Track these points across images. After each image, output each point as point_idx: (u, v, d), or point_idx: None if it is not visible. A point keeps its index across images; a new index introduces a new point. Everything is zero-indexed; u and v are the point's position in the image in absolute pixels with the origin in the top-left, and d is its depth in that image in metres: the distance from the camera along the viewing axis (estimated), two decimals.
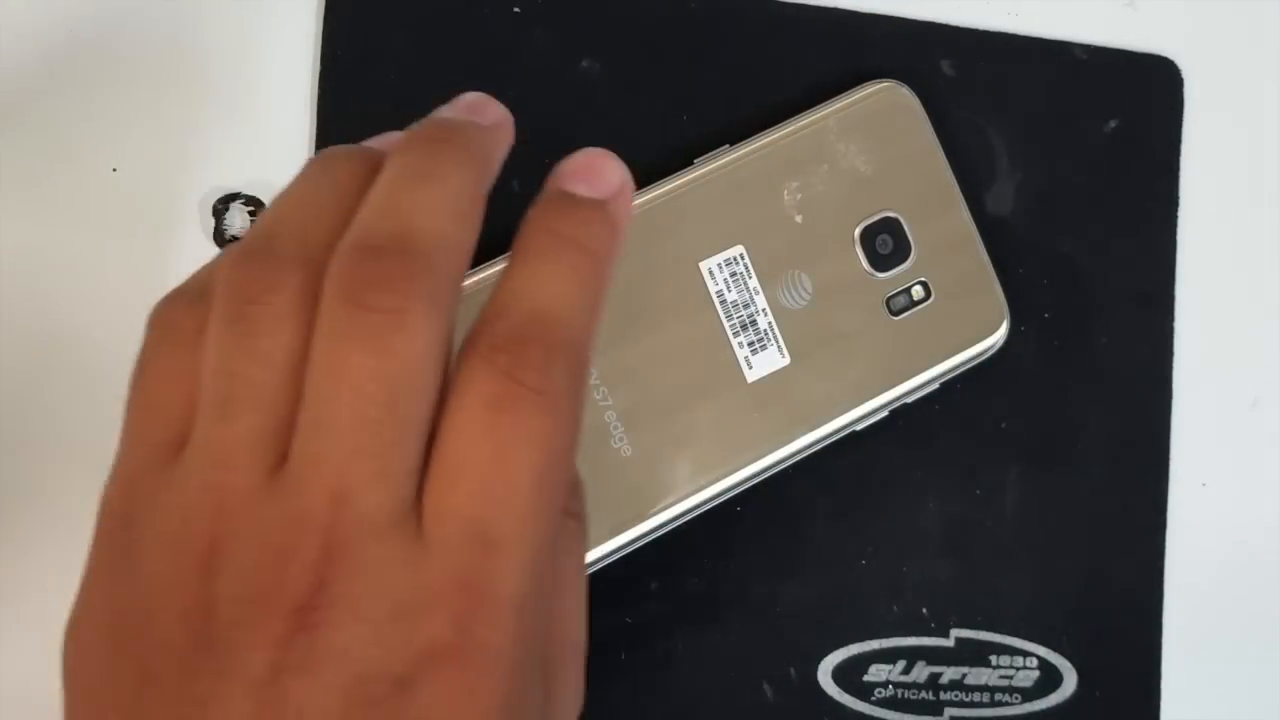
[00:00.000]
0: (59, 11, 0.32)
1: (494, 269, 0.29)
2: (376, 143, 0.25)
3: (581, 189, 0.24)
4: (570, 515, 0.24)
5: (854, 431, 0.30)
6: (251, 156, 0.32)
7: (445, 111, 0.25)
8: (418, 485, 0.21)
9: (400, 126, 0.32)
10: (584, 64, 0.32)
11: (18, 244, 0.31)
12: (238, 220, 0.31)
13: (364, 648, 0.20)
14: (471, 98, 0.25)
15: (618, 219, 0.24)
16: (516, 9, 0.32)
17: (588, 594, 0.27)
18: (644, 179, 0.31)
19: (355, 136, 0.32)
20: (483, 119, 0.24)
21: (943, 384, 0.31)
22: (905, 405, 0.31)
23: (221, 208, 0.31)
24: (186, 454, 0.21)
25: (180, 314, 0.22)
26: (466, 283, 0.29)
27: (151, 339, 0.22)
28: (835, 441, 0.30)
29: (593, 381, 0.29)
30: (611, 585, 0.29)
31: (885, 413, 0.31)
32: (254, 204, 0.31)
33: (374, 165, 0.23)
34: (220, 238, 0.31)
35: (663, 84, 0.32)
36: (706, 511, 0.30)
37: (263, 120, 0.32)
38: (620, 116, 0.32)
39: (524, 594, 0.21)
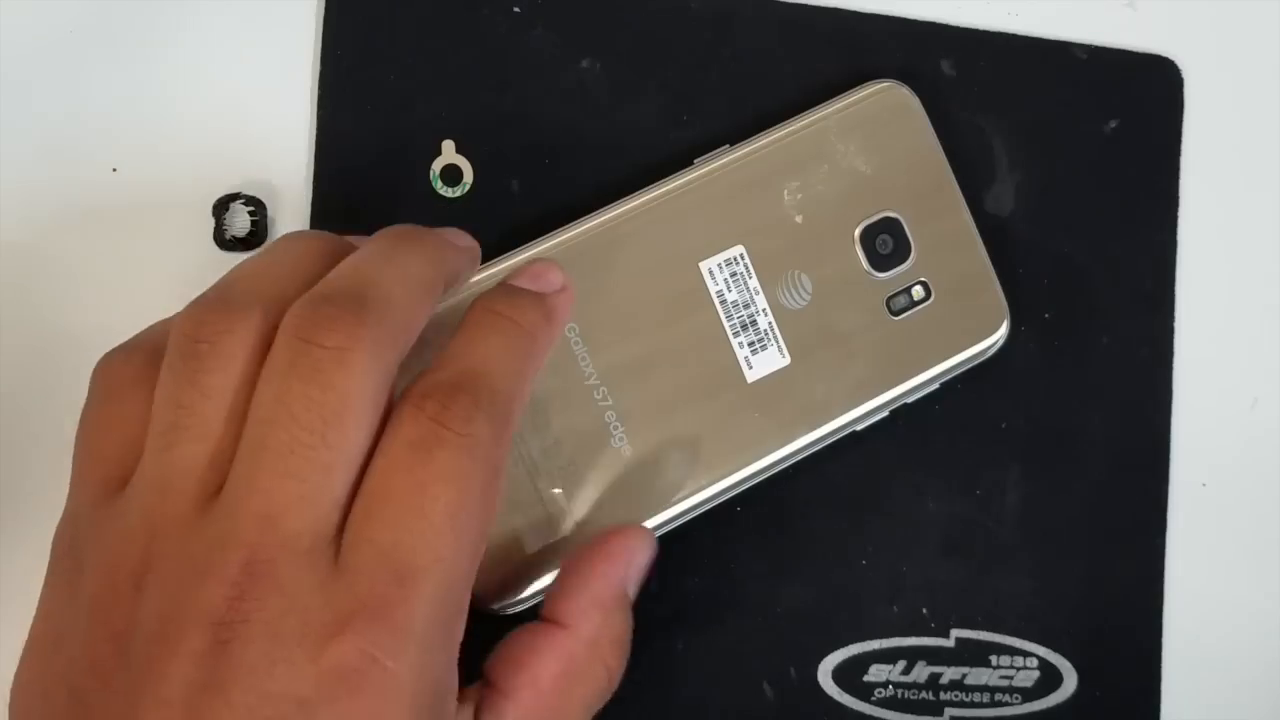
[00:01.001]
0: (59, 11, 0.32)
1: (492, 270, 0.29)
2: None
3: (524, 284, 0.27)
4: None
5: (854, 432, 0.30)
6: (251, 156, 0.32)
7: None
8: (342, 516, 0.22)
9: (399, 126, 0.32)
10: (584, 64, 0.32)
11: (18, 244, 0.31)
12: (238, 220, 0.31)
13: (272, 665, 0.21)
14: (451, 229, 0.28)
15: (554, 310, 0.27)
16: (516, 9, 0.32)
17: None
18: (644, 179, 0.31)
19: (355, 136, 0.32)
20: (456, 241, 0.27)
21: (943, 384, 0.31)
22: (905, 405, 0.31)
23: (221, 208, 0.31)
24: (131, 484, 0.23)
25: (118, 367, 0.24)
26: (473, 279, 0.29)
27: (93, 391, 0.24)
28: (835, 441, 0.30)
29: (593, 381, 0.29)
30: None
31: (885, 413, 0.31)
32: (254, 204, 0.31)
33: (334, 246, 0.26)
34: (220, 238, 0.31)
35: (663, 84, 0.32)
36: (706, 511, 0.30)
37: (263, 120, 0.32)
38: (620, 116, 0.32)
39: (429, 627, 0.22)
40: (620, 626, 0.27)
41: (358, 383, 0.22)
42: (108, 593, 0.22)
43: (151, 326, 0.26)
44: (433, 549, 0.22)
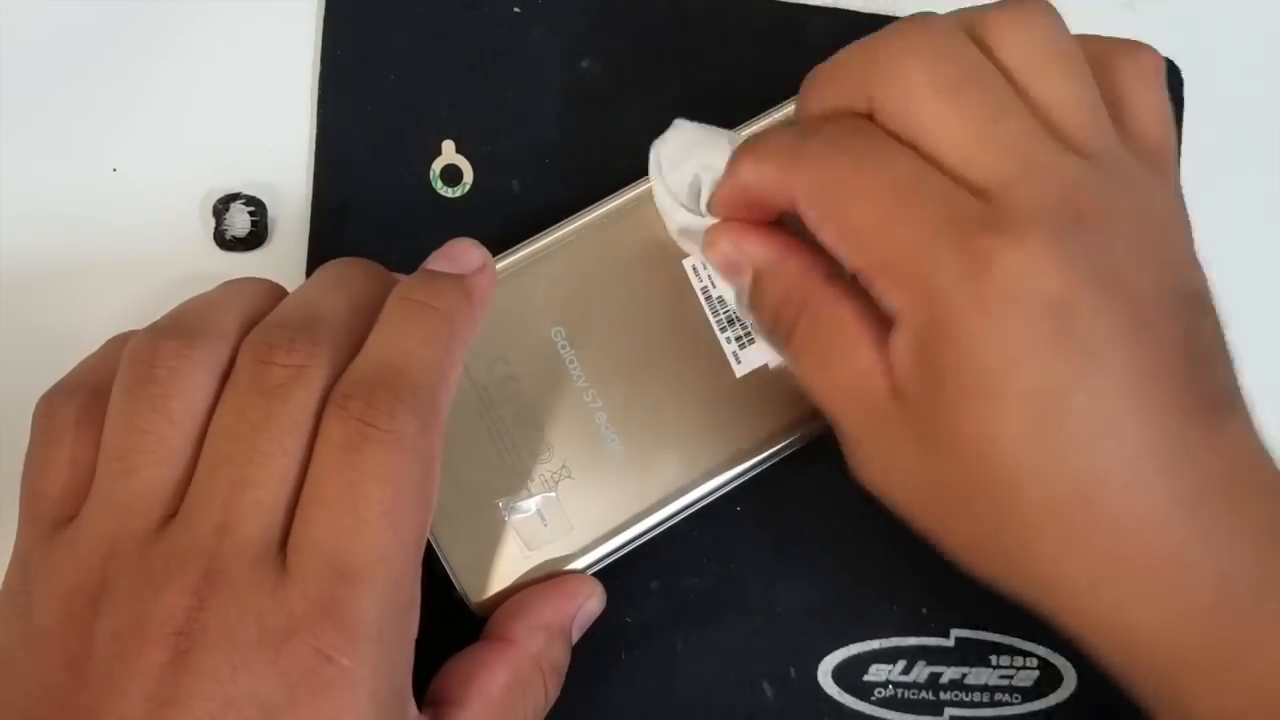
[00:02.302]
0: (59, 11, 0.32)
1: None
2: None
3: (441, 266, 0.27)
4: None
5: None
6: (251, 156, 0.32)
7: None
8: (288, 521, 0.23)
9: (399, 127, 0.32)
10: (584, 64, 0.32)
11: (18, 244, 0.31)
12: (238, 220, 0.31)
13: (234, 672, 0.21)
14: None
15: (474, 290, 0.26)
16: (516, 9, 0.32)
17: None
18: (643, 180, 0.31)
19: (355, 137, 0.32)
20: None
21: None
22: None
23: (221, 208, 0.31)
24: (84, 511, 0.23)
25: (60, 407, 0.24)
26: None
27: (36, 432, 0.25)
28: (830, 434, 0.30)
29: (582, 384, 0.29)
30: (611, 585, 0.29)
31: None
32: (254, 204, 0.31)
33: (276, 287, 0.27)
34: (220, 238, 0.31)
35: (663, 84, 0.32)
36: (706, 512, 0.30)
37: (263, 120, 0.32)
38: (620, 116, 0.32)
39: (381, 624, 0.22)
40: (559, 655, 0.28)
41: (313, 397, 0.23)
42: (62, 620, 0.22)
43: (87, 363, 0.26)
44: (372, 547, 0.22)
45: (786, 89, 0.31)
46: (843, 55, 0.25)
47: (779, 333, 0.26)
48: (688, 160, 0.28)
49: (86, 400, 0.24)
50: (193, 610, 0.21)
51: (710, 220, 0.28)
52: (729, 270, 0.28)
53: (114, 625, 0.22)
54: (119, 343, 0.26)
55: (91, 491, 0.23)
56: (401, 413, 0.23)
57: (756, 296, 0.27)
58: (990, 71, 0.23)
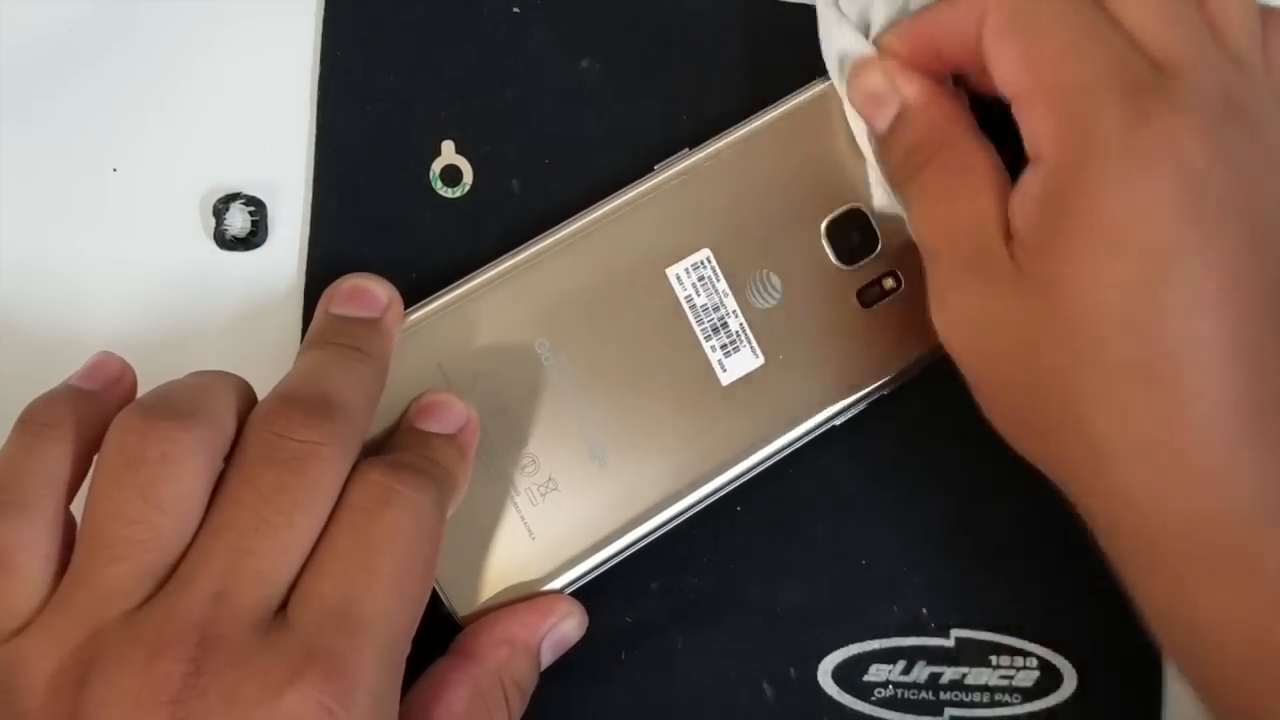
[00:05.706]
0: (59, 11, 0.32)
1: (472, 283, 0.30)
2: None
3: (433, 427, 0.28)
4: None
5: (834, 426, 0.30)
6: (251, 156, 0.32)
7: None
8: (288, 591, 0.23)
9: (399, 127, 0.32)
10: (584, 64, 0.32)
11: (18, 244, 0.31)
12: (238, 220, 0.31)
13: None
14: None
15: (465, 447, 0.28)
16: (516, 9, 0.32)
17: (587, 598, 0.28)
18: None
19: (355, 136, 0.32)
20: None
21: (939, 381, 0.31)
22: (890, 398, 0.30)
23: (221, 208, 0.31)
24: (59, 595, 0.22)
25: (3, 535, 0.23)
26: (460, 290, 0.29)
27: None
28: (831, 441, 0.30)
29: (567, 396, 0.29)
30: (612, 585, 0.29)
31: (864, 405, 0.30)
32: (253, 204, 0.31)
33: (247, 385, 0.26)
34: (220, 238, 0.31)
35: (663, 84, 0.32)
36: (706, 512, 0.30)
37: (263, 120, 0.32)
38: (620, 116, 0.32)
39: (379, 679, 0.22)
40: (523, 671, 0.27)
41: (329, 475, 0.23)
42: (47, 701, 0.21)
43: (6, 466, 0.24)
44: (380, 603, 0.23)
45: (786, 89, 0.32)
46: None
47: (907, 168, 0.28)
48: None
49: (38, 526, 0.23)
50: (189, 677, 0.21)
51: (871, 51, 0.28)
52: (871, 104, 0.28)
53: (103, 695, 0.21)
54: (32, 434, 0.24)
55: (69, 574, 0.23)
56: (428, 487, 0.24)
57: (895, 131, 0.28)
58: None
